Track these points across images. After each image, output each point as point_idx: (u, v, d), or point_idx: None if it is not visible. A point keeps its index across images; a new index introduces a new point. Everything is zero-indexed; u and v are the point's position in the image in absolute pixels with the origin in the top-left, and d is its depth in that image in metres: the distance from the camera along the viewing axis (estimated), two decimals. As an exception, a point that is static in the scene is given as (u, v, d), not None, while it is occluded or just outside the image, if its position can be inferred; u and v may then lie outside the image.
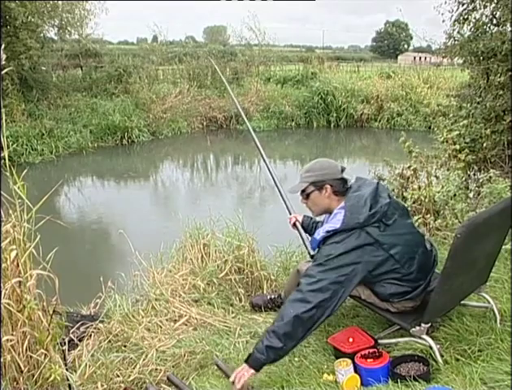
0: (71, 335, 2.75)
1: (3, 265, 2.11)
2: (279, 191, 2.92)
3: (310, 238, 2.63)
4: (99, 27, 18.89)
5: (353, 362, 2.16)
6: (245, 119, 3.88)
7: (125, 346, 2.62)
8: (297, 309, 2.07)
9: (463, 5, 5.52)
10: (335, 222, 2.26)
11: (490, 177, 4.18)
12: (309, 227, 2.82)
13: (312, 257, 2.49)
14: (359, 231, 2.18)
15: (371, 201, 2.23)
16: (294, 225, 2.82)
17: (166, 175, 11.71)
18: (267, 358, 2.07)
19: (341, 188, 2.38)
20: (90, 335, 2.76)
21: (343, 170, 2.42)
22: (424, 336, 2.19)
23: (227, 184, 11.01)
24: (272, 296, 3.03)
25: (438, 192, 3.98)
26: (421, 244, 2.37)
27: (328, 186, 2.36)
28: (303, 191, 2.43)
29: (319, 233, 2.31)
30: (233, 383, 2.07)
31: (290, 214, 2.86)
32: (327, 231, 2.24)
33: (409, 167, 4.38)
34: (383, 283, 2.28)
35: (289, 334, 2.07)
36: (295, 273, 2.77)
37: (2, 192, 2.25)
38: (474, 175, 5.32)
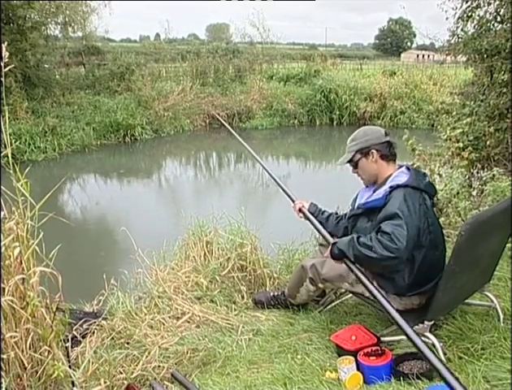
0: (74, 332, 2.75)
1: (7, 262, 2.12)
2: (276, 181, 2.95)
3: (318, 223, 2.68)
4: (102, 24, 18.93)
5: (356, 360, 2.17)
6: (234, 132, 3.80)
7: (128, 343, 2.62)
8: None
9: (467, 2, 5.49)
10: (398, 180, 2.32)
11: (493, 175, 4.17)
12: (314, 213, 2.79)
13: (328, 242, 2.55)
14: (421, 193, 2.29)
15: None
16: (300, 211, 2.79)
17: (168, 173, 11.72)
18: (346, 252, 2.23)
19: (387, 151, 2.42)
20: (93, 333, 2.76)
21: (387, 134, 2.44)
22: (427, 334, 2.18)
23: (229, 181, 11.01)
24: (275, 294, 3.02)
25: (441, 190, 3.97)
26: (442, 240, 2.43)
27: (374, 151, 2.41)
28: (351, 160, 2.48)
29: (380, 193, 2.33)
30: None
31: (293, 202, 2.84)
32: (391, 187, 2.29)
33: (412, 165, 4.36)
34: (403, 273, 2.29)
35: (365, 259, 2.17)
36: (299, 269, 2.77)
37: (5, 190, 2.26)
38: (477, 173, 5.30)
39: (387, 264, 2.15)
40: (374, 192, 2.46)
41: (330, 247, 2.37)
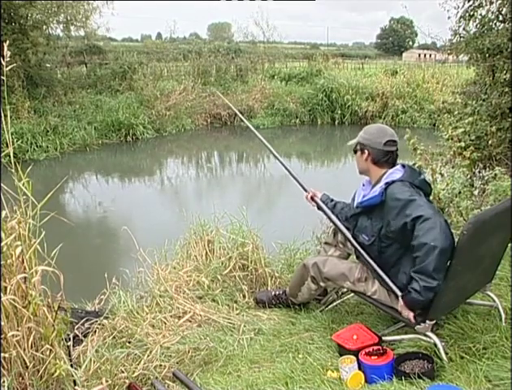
0: (76, 331, 2.75)
1: (8, 261, 2.12)
2: (289, 171, 2.89)
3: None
4: (104, 23, 18.91)
5: (358, 359, 2.16)
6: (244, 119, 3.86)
7: (130, 342, 2.62)
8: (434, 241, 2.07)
9: (469, 1, 5.48)
10: (393, 176, 2.34)
11: (495, 175, 4.16)
12: (325, 203, 2.79)
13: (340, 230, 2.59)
14: (415, 189, 2.28)
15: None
16: (312, 200, 2.80)
17: (170, 172, 11.72)
18: (425, 299, 2.12)
19: (381, 158, 2.43)
20: (95, 331, 2.76)
21: (392, 144, 2.42)
22: (429, 334, 2.19)
23: (231, 181, 11.00)
24: (277, 293, 3.02)
25: (443, 190, 3.97)
26: None
27: (368, 152, 2.45)
28: (355, 146, 2.54)
29: (376, 191, 2.35)
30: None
31: (306, 191, 2.85)
32: (387, 183, 2.32)
33: (413, 165, 4.35)
34: (405, 269, 2.29)
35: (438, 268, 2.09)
36: (301, 267, 2.77)
37: (7, 189, 2.26)
38: (479, 172, 5.29)
39: (444, 236, 2.07)
40: (371, 190, 2.47)
41: (403, 300, 2.24)
